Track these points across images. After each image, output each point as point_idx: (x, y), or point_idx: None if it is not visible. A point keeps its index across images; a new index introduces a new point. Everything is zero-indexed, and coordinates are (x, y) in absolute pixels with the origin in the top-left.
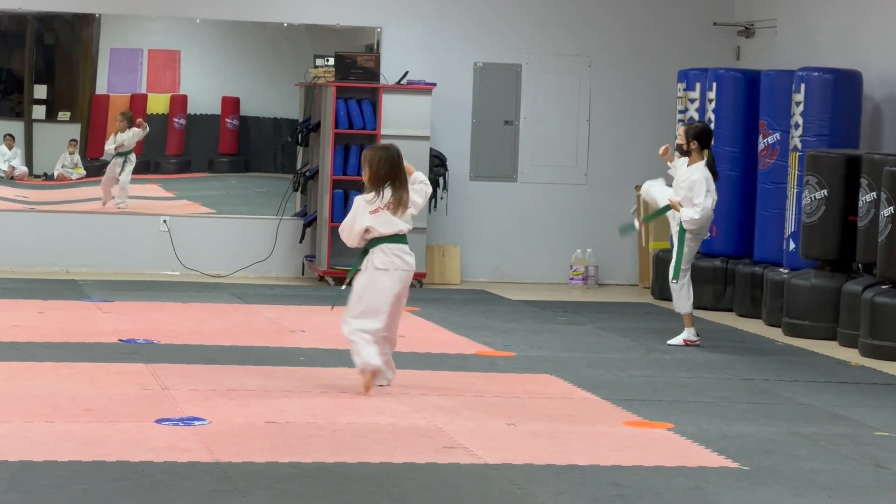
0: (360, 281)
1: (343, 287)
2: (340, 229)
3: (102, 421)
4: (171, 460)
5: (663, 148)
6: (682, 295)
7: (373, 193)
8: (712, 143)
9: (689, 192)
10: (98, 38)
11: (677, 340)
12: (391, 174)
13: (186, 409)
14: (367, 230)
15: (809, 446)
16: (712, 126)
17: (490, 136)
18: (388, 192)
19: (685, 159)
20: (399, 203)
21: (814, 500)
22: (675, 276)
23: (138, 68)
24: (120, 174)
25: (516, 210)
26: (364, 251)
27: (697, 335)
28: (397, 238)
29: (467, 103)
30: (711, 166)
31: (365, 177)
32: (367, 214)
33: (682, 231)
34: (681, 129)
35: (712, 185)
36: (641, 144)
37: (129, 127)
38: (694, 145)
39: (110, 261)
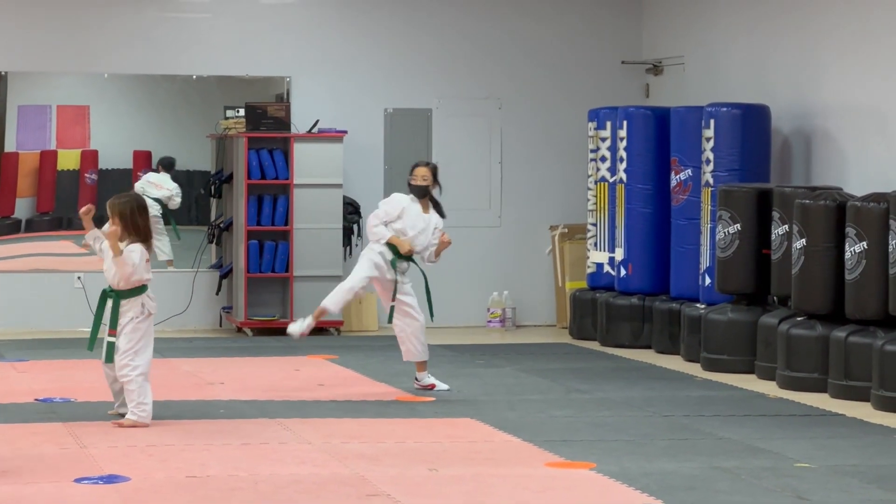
0: (144, 326)
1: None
2: (124, 276)
3: (20, 482)
4: None
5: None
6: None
7: (139, 244)
8: None
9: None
10: (5, 96)
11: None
12: (147, 224)
13: (106, 468)
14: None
15: (731, 480)
16: (624, 164)
17: (403, 181)
18: (146, 243)
19: (413, 201)
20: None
21: None
22: (432, 315)
23: (47, 125)
24: None
25: None
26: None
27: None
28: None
29: (379, 150)
30: (437, 204)
31: (122, 228)
32: (143, 263)
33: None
34: (425, 171)
35: None
36: (555, 185)
37: None
38: (438, 184)
39: (24, 319)
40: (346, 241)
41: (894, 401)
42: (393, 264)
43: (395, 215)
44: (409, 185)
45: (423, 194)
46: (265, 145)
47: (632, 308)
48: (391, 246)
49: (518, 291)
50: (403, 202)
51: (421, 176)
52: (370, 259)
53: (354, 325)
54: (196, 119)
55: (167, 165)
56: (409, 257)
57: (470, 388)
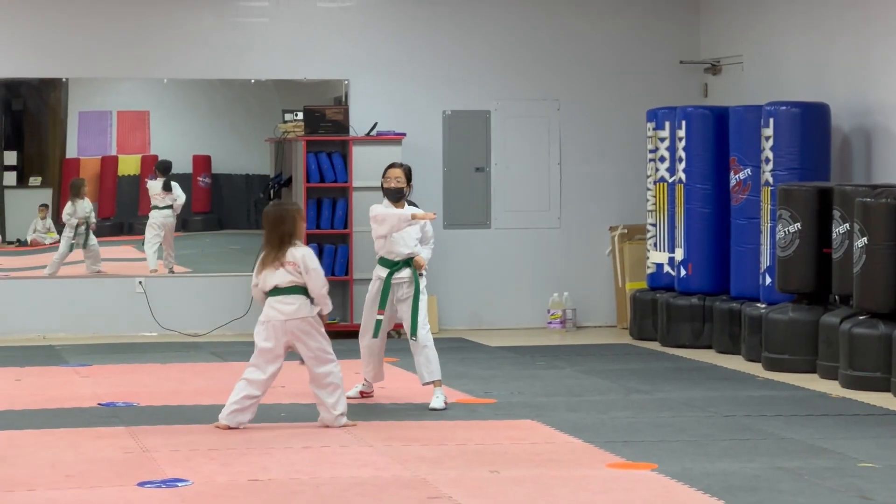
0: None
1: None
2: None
3: (84, 486)
4: None
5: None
6: (434, 355)
7: (263, 252)
8: None
9: (421, 232)
10: (66, 102)
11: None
12: (267, 234)
13: (168, 471)
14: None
15: (794, 481)
16: (683, 164)
17: (462, 183)
18: (267, 251)
19: (387, 206)
20: (274, 259)
21: None
22: (415, 333)
23: (108, 130)
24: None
25: (491, 256)
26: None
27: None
28: (275, 291)
29: (438, 151)
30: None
31: None
32: (254, 271)
33: (417, 278)
34: (399, 171)
35: None
36: (614, 185)
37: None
38: (411, 187)
39: (87, 324)
40: None
41: None
42: (388, 279)
43: (381, 226)
44: (383, 188)
45: (398, 197)
46: (324, 148)
47: (692, 308)
48: (382, 260)
49: (578, 292)
50: (379, 210)
51: (395, 177)
52: (367, 308)
53: None
54: (254, 123)
55: (164, 170)
56: (405, 263)
57: (530, 389)
